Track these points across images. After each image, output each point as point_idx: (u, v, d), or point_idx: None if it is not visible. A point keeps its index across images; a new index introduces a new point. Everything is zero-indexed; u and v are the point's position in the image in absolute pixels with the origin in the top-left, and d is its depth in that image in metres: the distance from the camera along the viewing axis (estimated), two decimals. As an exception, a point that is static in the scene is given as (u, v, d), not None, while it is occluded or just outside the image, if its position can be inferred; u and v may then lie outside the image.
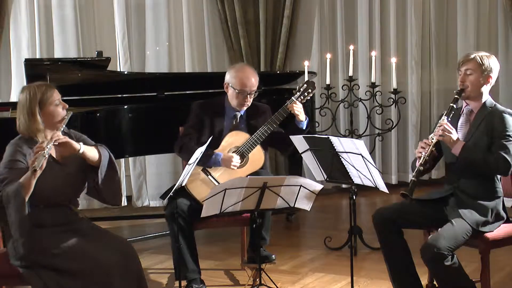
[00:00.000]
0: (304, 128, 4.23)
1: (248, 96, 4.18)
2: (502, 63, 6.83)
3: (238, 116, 4.26)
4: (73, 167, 3.35)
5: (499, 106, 3.55)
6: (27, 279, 3.19)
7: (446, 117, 3.48)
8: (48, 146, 3.09)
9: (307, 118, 4.27)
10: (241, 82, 4.16)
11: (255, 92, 4.22)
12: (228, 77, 4.23)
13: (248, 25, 6.75)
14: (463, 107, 3.63)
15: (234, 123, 4.26)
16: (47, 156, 3.08)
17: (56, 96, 3.32)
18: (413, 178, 3.43)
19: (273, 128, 4.17)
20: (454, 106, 3.51)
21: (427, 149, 3.46)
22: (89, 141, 3.45)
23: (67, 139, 3.23)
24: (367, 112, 5.20)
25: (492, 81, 3.55)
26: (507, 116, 3.46)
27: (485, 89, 3.54)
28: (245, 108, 4.24)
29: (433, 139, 3.46)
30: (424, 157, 3.44)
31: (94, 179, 3.36)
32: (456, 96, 3.52)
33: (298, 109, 4.20)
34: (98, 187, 3.36)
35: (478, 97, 3.54)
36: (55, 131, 3.24)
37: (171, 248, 4.09)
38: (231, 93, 4.22)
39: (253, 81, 4.18)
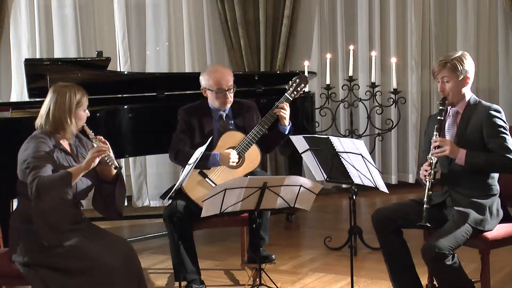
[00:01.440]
0: (286, 133, 4.22)
1: (227, 92, 4.18)
2: (502, 63, 6.90)
3: (224, 116, 4.26)
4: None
5: (483, 102, 3.55)
6: (27, 278, 3.19)
7: (437, 133, 3.49)
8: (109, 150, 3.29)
9: (290, 123, 4.27)
10: (216, 82, 4.16)
11: (233, 87, 4.22)
12: (202, 82, 4.24)
13: (248, 25, 6.74)
14: (448, 109, 3.62)
15: (221, 123, 4.26)
16: (111, 153, 3.29)
17: (87, 101, 3.43)
18: (426, 206, 3.41)
19: (268, 126, 4.16)
20: (442, 118, 3.52)
21: (429, 171, 3.45)
22: None
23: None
24: (367, 112, 5.20)
25: (471, 80, 3.54)
26: (493, 112, 3.46)
27: (466, 90, 3.54)
28: (228, 105, 4.24)
29: (431, 159, 3.46)
30: (429, 181, 3.44)
31: (105, 188, 3.44)
32: (441, 107, 3.52)
33: (285, 112, 4.19)
34: (111, 195, 3.43)
35: (461, 99, 3.55)
36: (94, 137, 3.36)
37: (170, 249, 4.09)
38: (210, 96, 4.22)
39: (228, 77, 4.19)
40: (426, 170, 3.47)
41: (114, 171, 3.38)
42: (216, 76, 4.18)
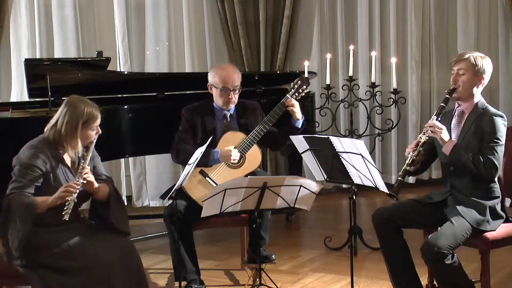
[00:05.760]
0: (299, 127, 4.23)
1: (232, 92, 4.18)
2: (502, 63, 6.89)
3: (228, 116, 4.26)
4: None
5: (490, 108, 3.54)
6: (27, 279, 3.19)
7: (435, 117, 3.49)
8: (77, 190, 3.17)
9: (303, 117, 4.27)
10: (222, 80, 4.16)
11: (239, 88, 4.21)
12: (210, 78, 4.24)
13: (248, 25, 6.75)
14: (455, 108, 3.63)
15: (225, 122, 4.25)
16: (75, 200, 3.16)
17: (98, 122, 3.36)
18: (399, 178, 3.44)
19: (269, 126, 4.17)
20: (444, 106, 3.52)
21: (415, 148, 3.47)
22: (101, 166, 3.51)
23: (92, 178, 3.29)
24: (367, 112, 5.20)
25: (484, 82, 3.54)
26: (497, 118, 3.46)
27: (477, 90, 3.54)
28: (231, 105, 4.24)
29: (421, 138, 3.47)
30: (411, 157, 3.46)
31: (102, 210, 3.43)
32: (447, 96, 3.52)
33: (295, 107, 4.20)
34: (108, 219, 3.41)
35: (469, 97, 3.54)
36: (83, 165, 3.27)
37: (170, 249, 4.09)
38: (215, 93, 4.22)
39: (235, 77, 4.18)
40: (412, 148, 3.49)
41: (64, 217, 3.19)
42: (223, 74, 4.17)
